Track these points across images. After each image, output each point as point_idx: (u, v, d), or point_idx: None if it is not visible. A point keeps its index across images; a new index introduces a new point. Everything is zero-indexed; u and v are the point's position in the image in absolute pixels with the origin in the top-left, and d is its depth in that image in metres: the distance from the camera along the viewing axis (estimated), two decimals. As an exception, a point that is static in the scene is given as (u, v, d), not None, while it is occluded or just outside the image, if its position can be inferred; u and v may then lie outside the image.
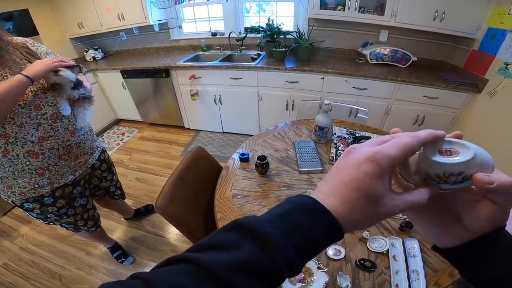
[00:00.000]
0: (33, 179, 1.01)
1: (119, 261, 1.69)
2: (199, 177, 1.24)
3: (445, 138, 0.29)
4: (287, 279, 0.80)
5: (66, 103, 1.02)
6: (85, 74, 1.12)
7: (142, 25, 2.82)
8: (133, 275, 0.24)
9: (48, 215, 1.15)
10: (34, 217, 1.16)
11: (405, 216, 0.95)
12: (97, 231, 1.45)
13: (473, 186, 0.27)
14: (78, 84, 1.05)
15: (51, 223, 1.23)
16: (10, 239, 1.91)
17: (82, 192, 1.24)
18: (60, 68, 0.94)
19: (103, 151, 1.35)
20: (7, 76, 0.87)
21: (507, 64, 1.78)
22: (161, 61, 2.85)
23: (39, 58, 0.98)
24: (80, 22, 3.00)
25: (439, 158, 0.28)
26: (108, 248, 1.72)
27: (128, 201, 1.97)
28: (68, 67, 0.99)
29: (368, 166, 0.26)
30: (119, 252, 1.70)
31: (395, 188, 0.30)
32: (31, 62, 0.93)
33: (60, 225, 1.26)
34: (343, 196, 0.27)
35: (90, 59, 3.29)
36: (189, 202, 1.13)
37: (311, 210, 0.27)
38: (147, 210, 2.04)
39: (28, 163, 0.96)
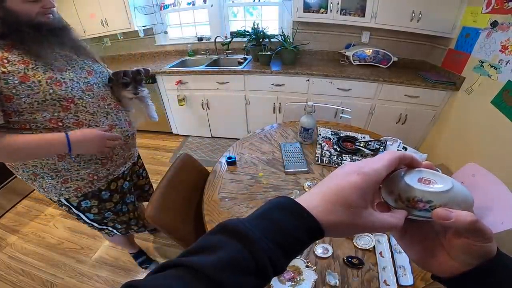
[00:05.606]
0: (95, 169, 1.00)
1: (143, 266, 1.66)
2: (188, 184, 1.23)
3: (431, 170, 0.31)
4: (276, 279, 0.82)
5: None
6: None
7: (127, 31, 2.79)
8: (126, 284, 0.25)
9: (106, 214, 1.12)
10: (90, 219, 1.12)
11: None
12: (130, 234, 1.40)
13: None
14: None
15: (104, 227, 1.20)
16: (-1, 249, 1.85)
17: (130, 188, 1.23)
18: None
19: None
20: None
21: (482, 62, 1.85)
22: (147, 67, 2.82)
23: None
24: (62, 29, 2.94)
25: (413, 183, 0.29)
26: (132, 253, 1.67)
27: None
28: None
29: (354, 177, 0.29)
30: (143, 257, 1.67)
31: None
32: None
33: (113, 226, 1.23)
34: (324, 198, 0.29)
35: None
36: (178, 208, 1.12)
37: (287, 208, 0.29)
38: None
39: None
